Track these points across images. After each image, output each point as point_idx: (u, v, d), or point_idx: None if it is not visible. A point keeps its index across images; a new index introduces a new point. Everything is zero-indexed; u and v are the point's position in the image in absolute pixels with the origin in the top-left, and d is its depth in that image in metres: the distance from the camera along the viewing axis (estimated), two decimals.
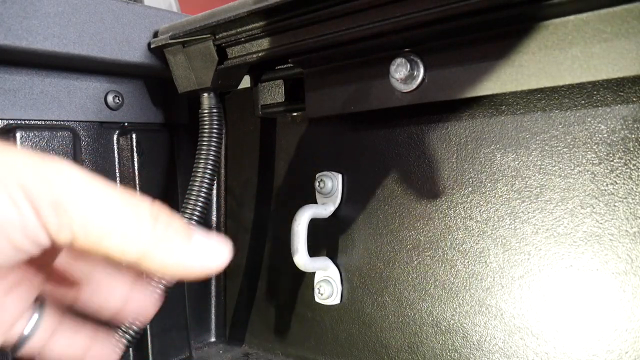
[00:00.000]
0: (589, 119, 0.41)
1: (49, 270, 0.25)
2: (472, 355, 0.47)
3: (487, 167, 0.46)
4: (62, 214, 0.19)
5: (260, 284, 0.64)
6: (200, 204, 0.54)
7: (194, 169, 0.54)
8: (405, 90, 0.44)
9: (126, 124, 0.61)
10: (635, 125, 0.39)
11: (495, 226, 0.46)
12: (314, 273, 0.57)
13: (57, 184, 0.19)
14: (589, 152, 0.41)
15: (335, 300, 0.55)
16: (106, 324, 0.28)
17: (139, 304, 0.28)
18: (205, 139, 0.55)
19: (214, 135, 0.55)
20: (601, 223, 0.40)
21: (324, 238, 0.57)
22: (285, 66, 0.56)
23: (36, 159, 0.20)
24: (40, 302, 0.25)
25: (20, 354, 0.24)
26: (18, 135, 0.51)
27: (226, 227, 0.68)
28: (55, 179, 0.19)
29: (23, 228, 0.19)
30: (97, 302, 0.27)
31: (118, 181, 0.61)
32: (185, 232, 0.22)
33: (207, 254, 0.22)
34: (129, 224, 0.20)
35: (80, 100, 0.57)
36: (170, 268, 0.21)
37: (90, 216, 0.19)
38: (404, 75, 0.43)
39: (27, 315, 0.24)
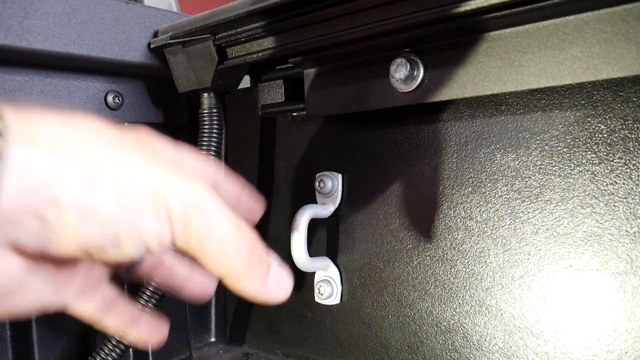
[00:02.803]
0: (589, 119, 0.41)
1: None
2: (472, 355, 0.47)
3: (487, 167, 0.46)
4: (188, 230, 0.24)
5: None
6: None
7: None
8: (405, 90, 0.44)
9: (126, 124, 0.61)
10: (635, 125, 0.39)
11: (495, 226, 0.46)
12: (314, 273, 0.57)
13: (192, 207, 0.23)
14: (589, 152, 0.41)
15: (335, 300, 0.55)
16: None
17: (199, 283, 0.33)
18: (205, 138, 0.55)
19: (214, 135, 0.55)
20: (601, 223, 0.40)
21: (324, 238, 0.57)
22: (285, 66, 0.56)
23: (181, 178, 0.24)
24: None
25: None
26: None
27: None
28: (192, 202, 0.23)
29: (158, 235, 0.23)
30: (164, 276, 0.32)
31: None
32: (267, 269, 0.26)
33: (278, 289, 0.27)
34: (232, 251, 0.25)
35: (80, 100, 0.57)
36: (247, 294, 0.26)
37: (206, 239, 0.24)
38: (404, 75, 0.43)
39: None
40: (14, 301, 0.24)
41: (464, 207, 0.47)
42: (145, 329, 0.32)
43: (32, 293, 0.25)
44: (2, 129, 0.21)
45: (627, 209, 0.39)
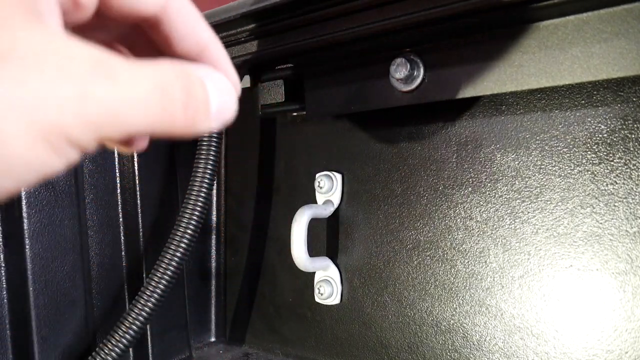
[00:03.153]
0: (589, 119, 0.41)
1: None
2: (472, 355, 0.47)
3: (487, 167, 0.46)
4: None
5: (260, 284, 0.64)
6: (200, 204, 0.54)
7: (194, 169, 0.54)
8: (405, 90, 0.44)
9: None
10: (635, 125, 0.39)
11: (495, 226, 0.46)
12: (314, 273, 0.57)
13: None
14: (589, 152, 0.41)
15: (335, 300, 0.55)
16: None
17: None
18: (205, 138, 0.55)
19: (214, 135, 0.55)
20: (601, 223, 0.40)
21: (324, 238, 0.57)
22: (285, 66, 0.56)
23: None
24: None
25: None
26: None
27: (226, 227, 0.68)
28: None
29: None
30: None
31: (118, 181, 0.61)
32: (208, 111, 0.22)
33: (223, 117, 0.24)
34: (163, 122, 0.20)
35: None
36: (193, 136, 0.22)
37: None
38: (404, 75, 0.43)
39: None
40: None
41: (464, 207, 0.47)
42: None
43: None
44: None
45: (627, 209, 0.39)
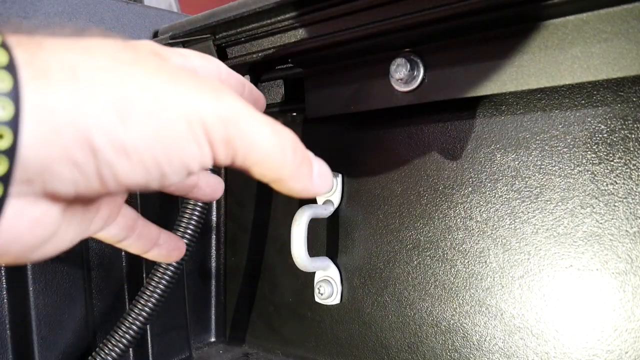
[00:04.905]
0: (589, 119, 0.41)
1: None
2: (472, 355, 0.47)
3: (487, 167, 0.46)
4: (230, 148, 0.23)
5: (260, 284, 0.64)
6: (200, 203, 0.54)
7: None
8: (405, 90, 0.44)
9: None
10: (635, 125, 0.39)
11: (495, 226, 0.46)
12: (314, 273, 0.57)
13: (230, 123, 0.22)
14: (589, 152, 0.41)
15: (335, 300, 0.55)
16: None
17: (208, 186, 0.35)
18: None
19: None
20: (601, 223, 0.40)
21: (324, 238, 0.57)
22: (285, 66, 0.56)
23: (211, 95, 0.22)
24: None
25: None
26: None
27: (226, 227, 0.68)
28: (228, 117, 0.22)
29: (200, 159, 0.22)
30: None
31: None
32: (311, 166, 0.26)
33: (323, 182, 0.27)
34: (278, 158, 0.24)
35: None
36: (294, 193, 0.26)
37: (250, 151, 0.23)
38: (404, 75, 0.43)
39: None
40: (49, 246, 0.23)
41: (464, 207, 0.47)
42: (165, 246, 0.33)
43: (66, 235, 0.24)
44: (7, 63, 0.18)
45: (627, 209, 0.39)
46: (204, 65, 0.30)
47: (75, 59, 0.19)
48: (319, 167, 0.27)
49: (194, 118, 0.21)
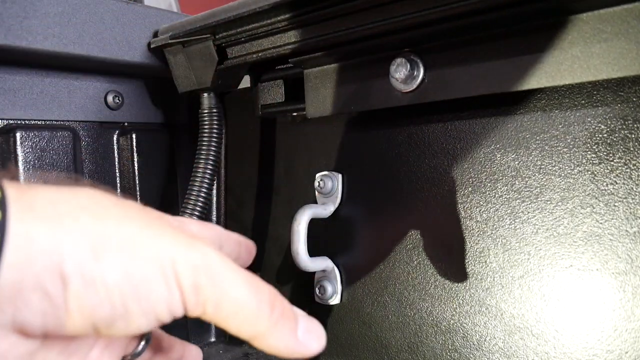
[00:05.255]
0: (589, 119, 0.41)
1: None
2: (472, 355, 0.47)
3: (487, 167, 0.46)
4: (200, 296, 0.23)
5: None
6: (200, 204, 0.54)
7: (194, 169, 0.54)
8: (405, 90, 0.44)
9: (126, 124, 0.61)
10: (635, 125, 0.39)
11: (495, 226, 0.46)
12: (314, 273, 0.57)
13: (201, 271, 0.23)
14: (589, 152, 0.41)
15: (335, 300, 0.55)
16: None
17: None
18: (205, 138, 0.55)
19: (214, 135, 0.55)
20: (601, 223, 0.40)
21: (324, 238, 0.57)
22: (285, 66, 0.56)
23: (186, 243, 0.23)
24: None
25: None
26: (18, 135, 0.51)
27: (226, 227, 0.68)
28: (200, 265, 0.23)
29: (169, 304, 0.22)
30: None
31: (118, 181, 0.61)
32: (294, 322, 0.25)
33: (311, 339, 0.26)
34: (252, 310, 0.24)
35: (80, 100, 0.57)
36: (278, 352, 0.25)
37: (221, 302, 0.23)
38: (404, 75, 0.43)
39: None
40: None
41: (464, 207, 0.47)
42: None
43: None
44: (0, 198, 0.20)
45: (627, 209, 0.39)
46: (201, 231, 0.30)
47: (59, 198, 0.21)
48: (306, 324, 0.26)
49: (166, 262, 0.22)
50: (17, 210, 0.20)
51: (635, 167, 0.39)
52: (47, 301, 0.20)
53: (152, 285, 0.22)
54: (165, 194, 0.63)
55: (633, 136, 0.39)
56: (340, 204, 0.55)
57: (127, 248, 0.22)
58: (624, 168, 0.39)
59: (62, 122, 0.56)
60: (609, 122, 0.40)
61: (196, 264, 0.23)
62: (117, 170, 0.60)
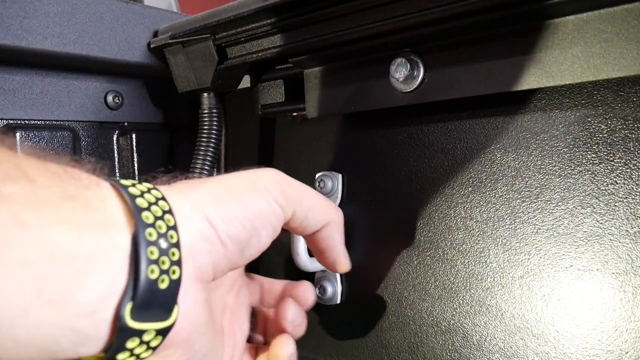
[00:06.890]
0: (589, 119, 0.41)
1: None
2: (472, 356, 0.47)
3: (487, 167, 0.46)
4: (289, 198, 0.33)
5: None
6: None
7: (191, 168, 0.54)
8: (405, 90, 0.44)
9: (126, 123, 0.61)
10: (635, 125, 0.39)
11: (495, 226, 0.45)
12: (314, 273, 0.57)
13: (281, 181, 0.33)
14: (589, 152, 0.41)
15: (335, 300, 0.55)
16: None
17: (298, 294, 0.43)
18: (205, 138, 0.55)
19: (214, 135, 0.55)
20: (601, 223, 0.40)
21: None
22: (285, 66, 0.56)
23: (265, 171, 0.33)
24: None
25: None
26: (18, 135, 0.51)
27: None
28: (279, 178, 0.34)
29: (273, 213, 0.32)
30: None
31: None
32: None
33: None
34: (323, 202, 0.37)
35: (80, 100, 0.57)
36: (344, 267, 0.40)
37: (303, 199, 0.34)
38: (404, 75, 0.43)
39: None
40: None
41: (464, 207, 0.47)
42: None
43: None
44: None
45: (627, 209, 0.39)
46: None
47: (181, 183, 0.32)
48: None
49: (260, 187, 0.32)
50: (170, 196, 0.29)
51: (635, 167, 0.39)
52: (208, 243, 0.28)
53: (259, 206, 0.31)
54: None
55: (633, 136, 0.39)
56: (340, 204, 0.55)
57: (235, 193, 0.31)
58: (624, 168, 0.39)
59: (62, 122, 0.56)
60: (609, 122, 0.40)
61: (276, 178, 0.33)
62: (117, 171, 0.60)
